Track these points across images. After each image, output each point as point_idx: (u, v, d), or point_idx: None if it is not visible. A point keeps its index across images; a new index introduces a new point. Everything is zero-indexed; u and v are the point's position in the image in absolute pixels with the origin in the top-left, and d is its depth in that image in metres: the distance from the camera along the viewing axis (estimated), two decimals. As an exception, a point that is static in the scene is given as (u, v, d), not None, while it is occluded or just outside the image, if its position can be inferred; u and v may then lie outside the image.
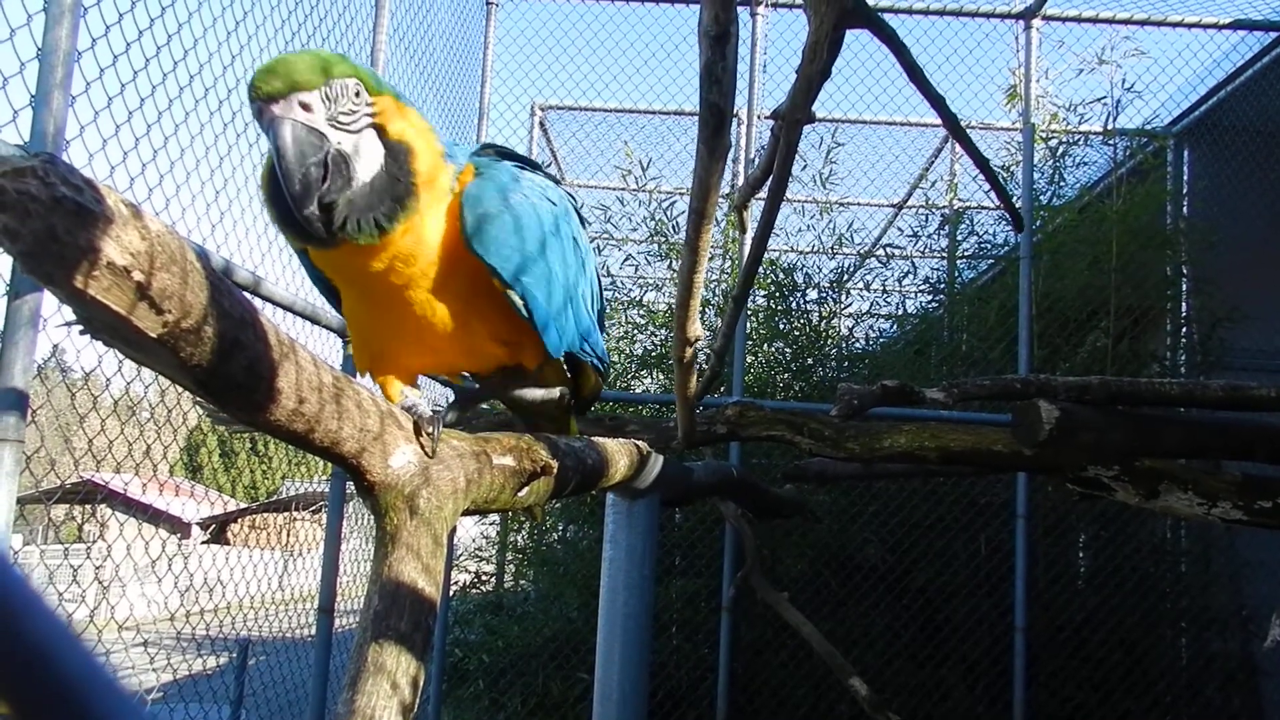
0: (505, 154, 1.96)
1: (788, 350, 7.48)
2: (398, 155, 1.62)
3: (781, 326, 7.40)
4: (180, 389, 1.78)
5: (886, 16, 1.81)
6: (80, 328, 1.00)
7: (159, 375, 1.34)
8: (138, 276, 0.87)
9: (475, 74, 6.38)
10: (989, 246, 7.58)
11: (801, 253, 7.71)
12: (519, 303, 1.84)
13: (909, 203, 8.31)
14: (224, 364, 1.05)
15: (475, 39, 6.42)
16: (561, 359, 2.18)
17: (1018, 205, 5.19)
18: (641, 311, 7.73)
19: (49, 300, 2.44)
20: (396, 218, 1.61)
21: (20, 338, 2.37)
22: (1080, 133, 7.03)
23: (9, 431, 2.35)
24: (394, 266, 1.68)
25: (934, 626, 6.21)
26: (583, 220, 2.20)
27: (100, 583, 4.79)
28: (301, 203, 1.52)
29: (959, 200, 7.88)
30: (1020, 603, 5.75)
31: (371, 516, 1.51)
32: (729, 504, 5.35)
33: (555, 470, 1.96)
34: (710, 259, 6.91)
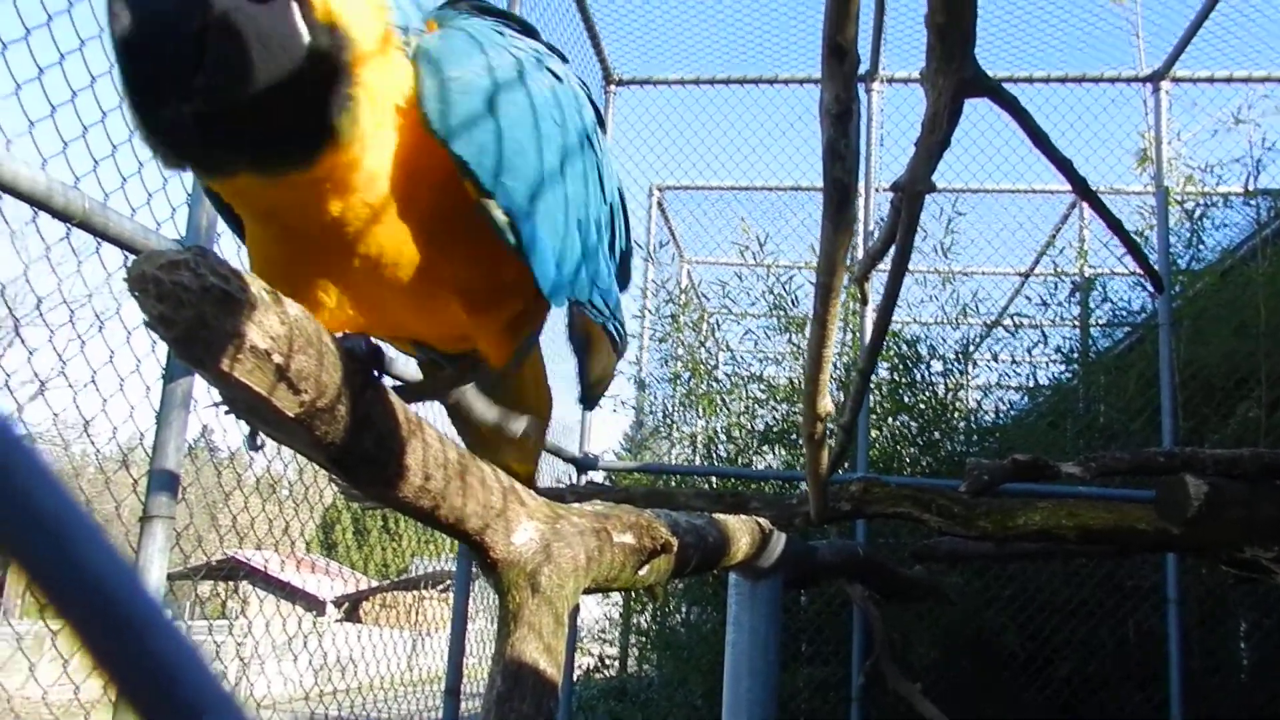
0: (486, 10, 1.41)
1: (913, 424, 7.29)
2: (323, 37, 1.06)
3: (906, 399, 7.23)
4: (316, 467, 1.79)
5: (1007, 85, 1.79)
6: (225, 408, 1.05)
7: (297, 453, 1.40)
8: (277, 359, 0.92)
9: (595, 159, 6.56)
10: (1125, 314, 7.27)
11: (925, 324, 7.56)
12: (500, 219, 1.25)
13: (1036, 270, 8.08)
14: (355, 441, 1.10)
15: (594, 125, 6.62)
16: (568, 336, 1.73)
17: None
18: (762, 386, 7.67)
19: (199, 383, 2.59)
20: (319, 145, 1.09)
21: (174, 419, 2.52)
22: (1218, 194, 6.74)
23: (161, 509, 2.48)
24: (320, 197, 1.15)
25: (1081, 720, 5.83)
26: (601, 121, 1.61)
27: (241, 660, 4.96)
28: (159, 95, 0.99)
29: (1089, 267, 7.62)
30: (1176, 697, 5.34)
31: (495, 595, 1.52)
32: (856, 585, 5.19)
33: (675, 548, 1.95)
34: (831, 333, 6.85)
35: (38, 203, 2.01)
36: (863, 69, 6.20)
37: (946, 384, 7.36)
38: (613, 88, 6.69)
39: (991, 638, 6.11)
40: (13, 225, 2.17)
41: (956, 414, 7.43)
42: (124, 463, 2.91)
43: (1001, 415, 7.81)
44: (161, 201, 2.62)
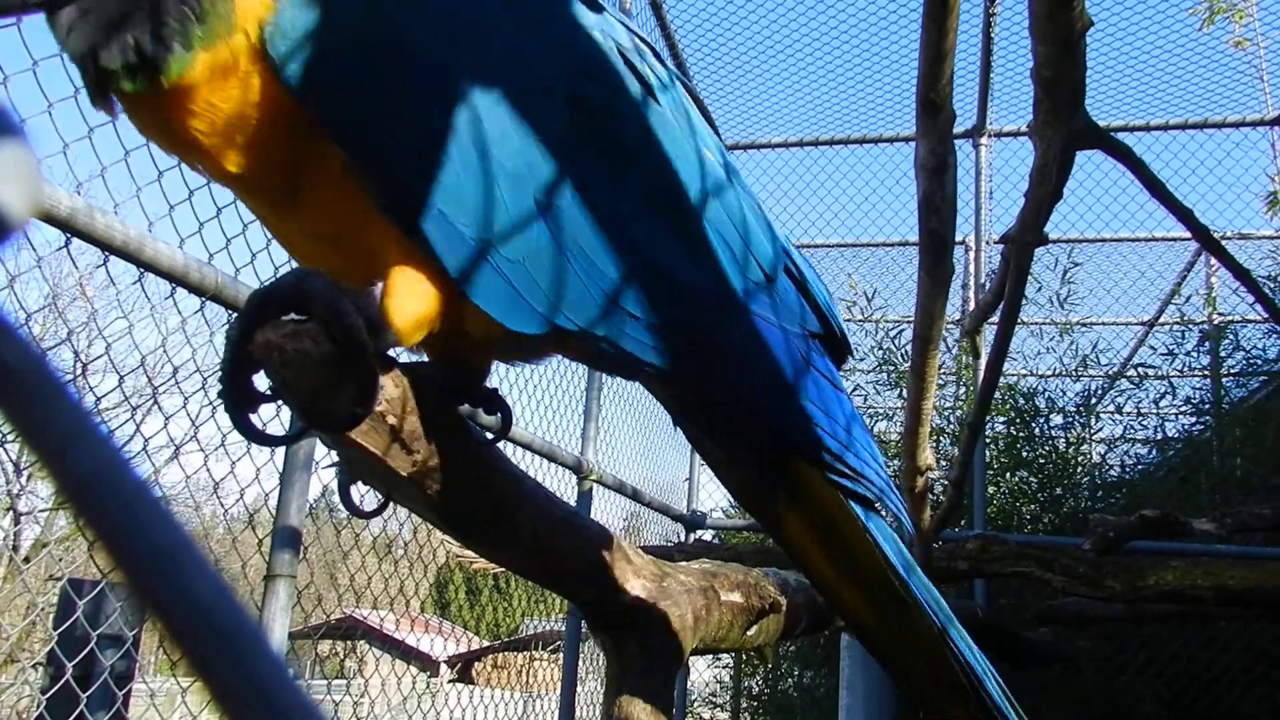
0: None
1: (1033, 480, 7.03)
2: None
3: (1025, 454, 6.98)
4: (430, 526, 1.82)
5: (1122, 135, 1.75)
6: (345, 468, 1.10)
7: (411, 513, 1.44)
8: (391, 420, 0.96)
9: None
10: (1260, 362, 6.91)
11: (1042, 376, 7.33)
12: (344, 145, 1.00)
13: (1161, 320, 7.76)
14: (466, 500, 1.13)
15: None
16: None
17: (1289, 316, 4.73)
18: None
19: (319, 446, 2.69)
20: (178, 47, 0.93)
21: (296, 479, 2.62)
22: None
23: (284, 567, 2.57)
24: (195, 122, 0.98)
25: (1231, 798, 5.42)
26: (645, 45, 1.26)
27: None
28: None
29: (1219, 314, 7.28)
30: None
31: (604, 655, 1.53)
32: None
33: (785, 607, 1.92)
34: (943, 386, 6.70)
35: (176, 279, 2.15)
36: (969, 124, 6.17)
37: (1068, 438, 7.09)
38: (717, 154, 6.81)
39: (1127, 707, 5.76)
40: (153, 300, 2.33)
41: (1079, 469, 7.14)
42: (250, 523, 3.04)
43: (1128, 469, 7.47)
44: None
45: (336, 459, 1.09)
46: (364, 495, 1.16)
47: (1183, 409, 7.20)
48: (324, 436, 0.99)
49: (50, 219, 1.84)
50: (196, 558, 0.24)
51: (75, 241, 1.98)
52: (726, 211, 1.23)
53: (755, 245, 1.26)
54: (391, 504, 1.17)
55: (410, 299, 1.00)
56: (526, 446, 4.15)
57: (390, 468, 0.99)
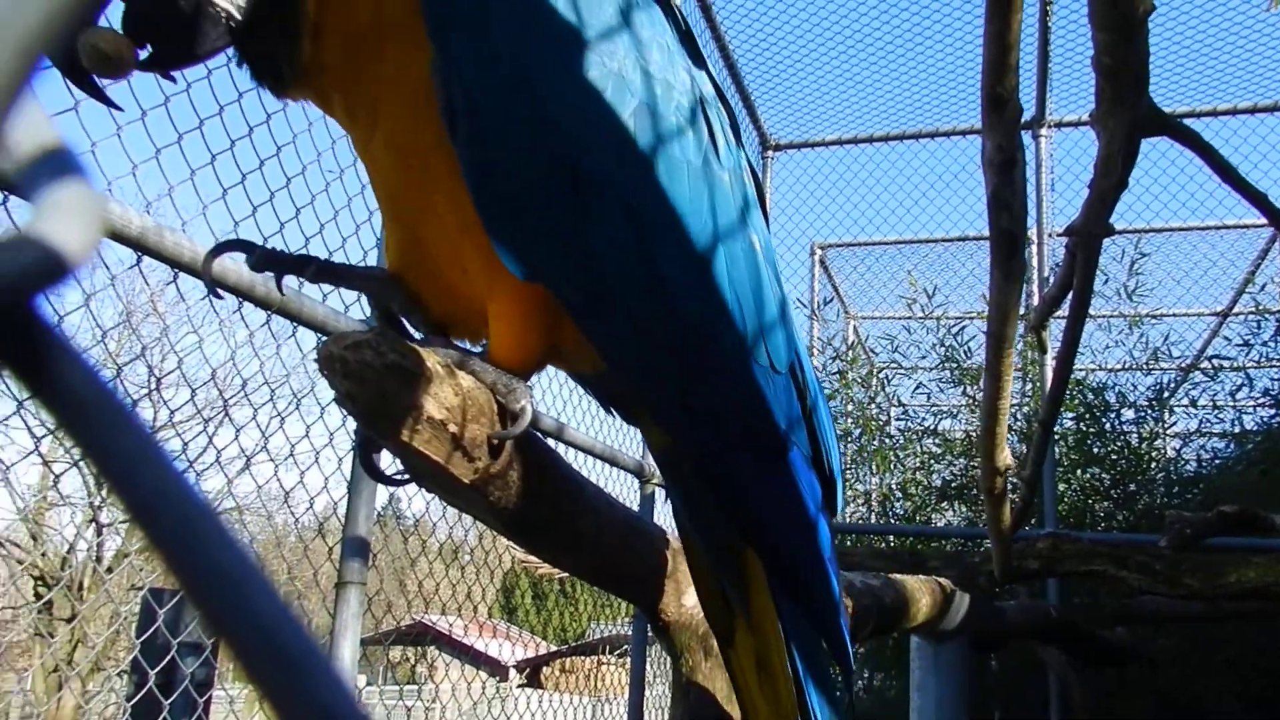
0: None
1: (1105, 476, 6.86)
2: None
3: (1096, 450, 6.82)
4: (494, 532, 1.83)
5: (1190, 121, 1.71)
6: (407, 476, 1.12)
7: (476, 519, 1.46)
8: (452, 428, 0.97)
9: (754, 221, 6.64)
10: (1344, 349, 6.66)
11: (1112, 370, 7.15)
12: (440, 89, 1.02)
13: (1235, 309, 7.52)
14: (528, 506, 1.14)
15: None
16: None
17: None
18: (937, 441, 7.42)
19: (385, 455, 2.73)
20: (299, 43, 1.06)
21: (364, 488, 2.67)
22: None
23: (354, 575, 2.61)
24: (345, 102, 1.13)
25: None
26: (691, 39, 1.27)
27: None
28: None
29: (1296, 302, 7.04)
30: None
31: (669, 659, 1.53)
32: (1051, 649, 4.88)
33: (851, 609, 1.90)
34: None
35: (242, 294, 2.21)
36: (1028, 115, 6.04)
37: (1140, 433, 6.91)
38: (770, 153, 6.79)
39: (1210, 708, 5.58)
40: (221, 315, 2.39)
41: (1153, 464, 6.95)
42: (320, 531, 3.10)
43: (1204, 464, 7.24)
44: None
45: (401, 467, 1.10)
46: (392, 464, 1.15)
47: (1261, 401, 6.96)
48: (388, 445, 1.00)
49: (121, 238, 1.89)
50: (257, 578, 0.25)
51: (146, 259, 2.04)
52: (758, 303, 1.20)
53: (773, 339, 1.21)
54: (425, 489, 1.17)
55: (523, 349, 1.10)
56: (588, 451, 4.17)
57: (453, 475, 1.01)
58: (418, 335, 1.23)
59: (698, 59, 1.26)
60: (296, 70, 1.07)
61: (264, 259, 1.16)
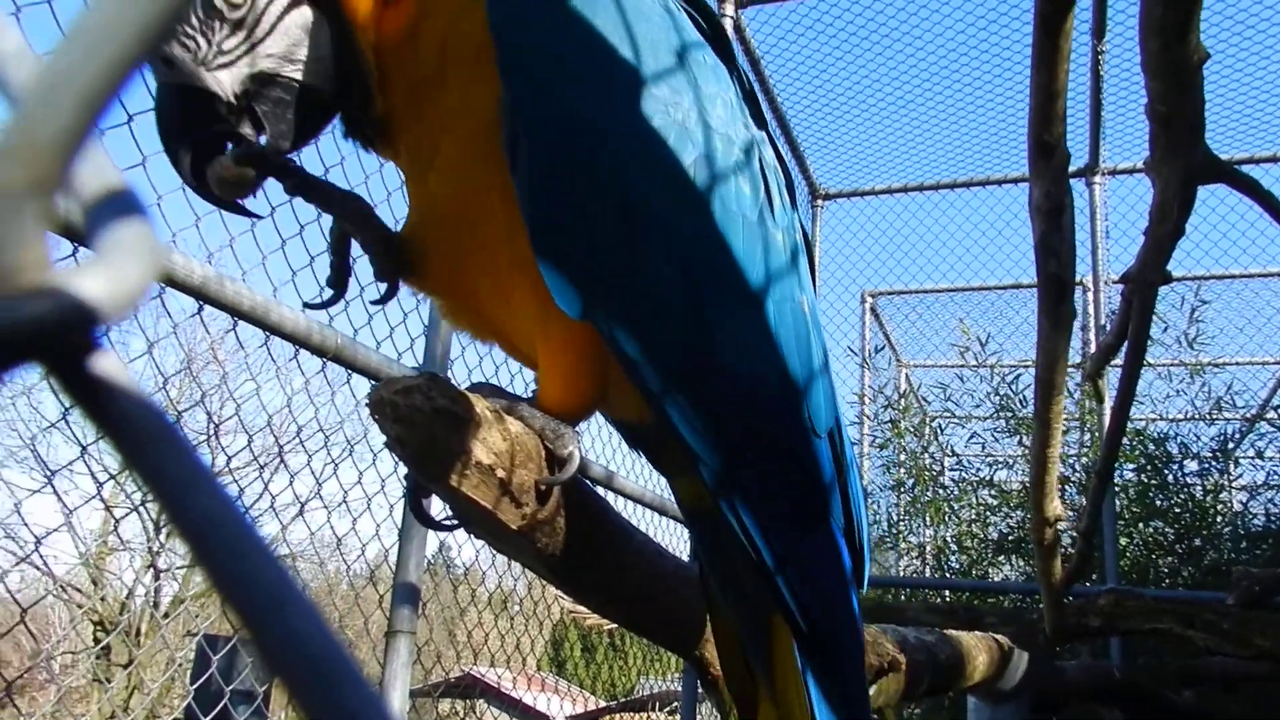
0: None
1: (1169, 530, 6.65)
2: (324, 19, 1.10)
3: (1159, 503, 6.62)
4: (544, 582, 1.81)
5: (1248, 168, 1.69)
6: (456, 522, 1.12)
7: (524, 567, 1.45)
8: (500, 474, 0.97)
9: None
10: None
11: (1174, 420, 6.97)
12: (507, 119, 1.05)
13: (1303, 357, 7.31)
14: (576, 553, 1.13)
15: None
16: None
17: None
18: (993, 491, 7.26)
19: (435, 501, 2.75)
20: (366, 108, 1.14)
21: (414, 534, 2.68)
22: None
23: (404, 623, 2.62)
24: (409, 149, 1.20)
25: None
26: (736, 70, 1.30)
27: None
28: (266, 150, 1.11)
29: (1366, 350, 6.83)
30: None
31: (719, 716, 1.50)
32: (1115, 711, 4.69)
33: (904, 666, 1.86)
34: (1066, 432, 6.43)
35: (299, 341, 2.25)
36: (1082, 162, 6.00)
37: (1204, 485, 6.70)
38: (820, 202, 6.80)
39: (1287, 776, 5.33)
40: (278, 362, 2.44)
41: (1219, 518, 6.72)
42: (371, 578, 3.11)
43: (1273, 518, 6.99)
44: (402, 334, 2.86)
45: (450, 513, 1.11)
46: (442, 510, 1.14)
47: (1333, 452, 6.74)
48: (437, 490, 1.01)
49: (183, 287, 1.95)
50: (302, 601, 0.25)
51: (206, 308, 2.10)
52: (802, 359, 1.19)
53: (815, 401, 1.18)
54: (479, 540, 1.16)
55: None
56: (637, 500, 4.15)
57: (500, 520, 1.01)
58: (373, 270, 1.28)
59: (759, 119, 1.28)
60: (374, 123, 1.14)
61: (244, 156, 1.11)
